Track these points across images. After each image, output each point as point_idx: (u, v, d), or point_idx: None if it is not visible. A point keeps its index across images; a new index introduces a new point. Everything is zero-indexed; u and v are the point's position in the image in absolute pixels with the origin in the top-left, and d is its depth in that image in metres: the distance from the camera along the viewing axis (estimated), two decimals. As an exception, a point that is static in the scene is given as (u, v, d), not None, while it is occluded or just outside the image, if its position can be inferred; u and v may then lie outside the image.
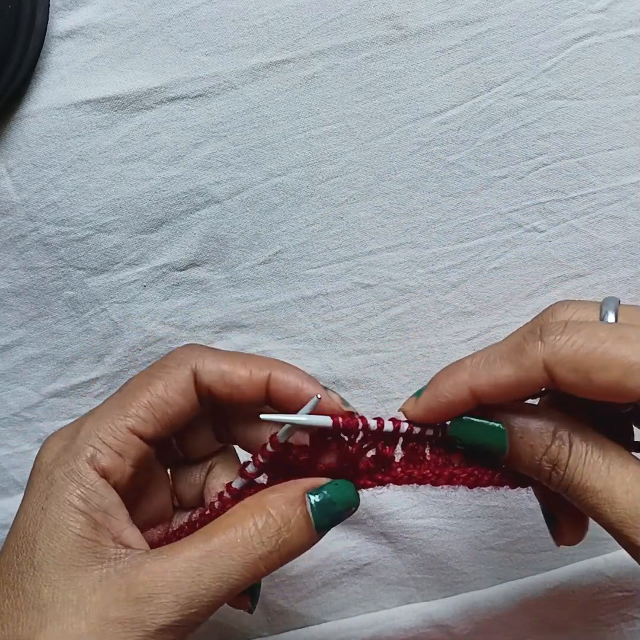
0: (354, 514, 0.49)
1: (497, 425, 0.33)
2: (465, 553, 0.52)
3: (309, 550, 0.52)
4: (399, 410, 0.36)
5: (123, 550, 0.32)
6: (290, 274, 0.49)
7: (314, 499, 0.34)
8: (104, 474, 0.33)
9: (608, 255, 0.48)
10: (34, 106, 0.46)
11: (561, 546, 0.37)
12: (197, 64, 0.46)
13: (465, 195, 0.47)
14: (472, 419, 0.34)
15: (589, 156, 0.46)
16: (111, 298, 0.49)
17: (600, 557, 0.50)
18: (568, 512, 0.35)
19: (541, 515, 0.38)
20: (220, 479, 0.38)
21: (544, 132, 0.46)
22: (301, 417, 0.34)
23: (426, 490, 0.52)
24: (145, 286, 0.49)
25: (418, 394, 0.35)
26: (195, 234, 0.48)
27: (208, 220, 0.48)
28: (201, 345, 0.37)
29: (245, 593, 0.34)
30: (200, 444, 0.38)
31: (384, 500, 0.51)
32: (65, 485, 0.32)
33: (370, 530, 0.52)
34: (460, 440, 0.34)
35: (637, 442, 0.37)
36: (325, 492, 0.34)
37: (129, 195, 0.47)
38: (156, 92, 0.46)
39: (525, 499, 0.47)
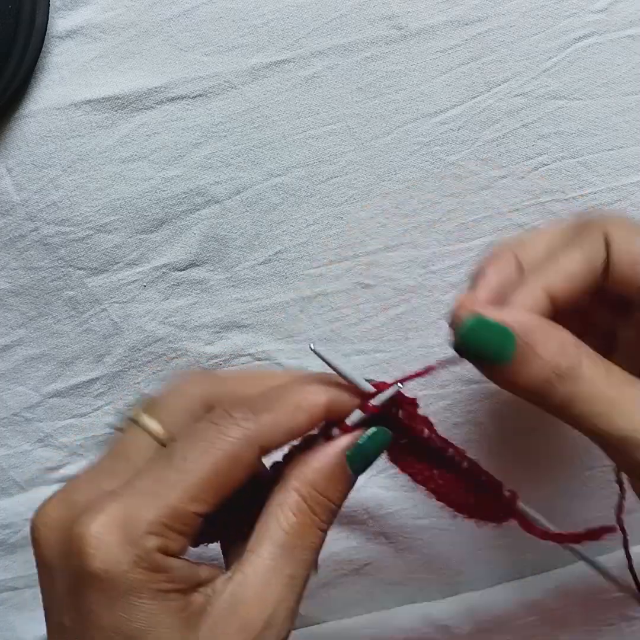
0: (354, 514, 0.49)
1: (509, 332, 0.31)
2: (465, 553, 0.52)
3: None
4: (460, 302, 0.33)
5: (209, 590, 0.31)
6: (290, 274, 0.49)
7: (352, 455, 0.33)
8: (171, 555, 0.31)
9: (608, 255, 0.48)
10: (34, 106, 0.46)
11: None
12: (197, 64, 0.46)
13: (465, 195, 0.47)
14: (486, 319, 0.31)
15: (589, 156, 0.46)
16: (111, 298, 0.49)
17: (602, 557, 0.50)
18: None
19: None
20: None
21: (544, 132, 0.46)
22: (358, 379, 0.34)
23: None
24: (145, 286, 0.49)
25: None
26: (195, 234, 0.48)
27: (208, 220, 0.48)
28: (254, 406, 0.33)
29: None
30: None
31: (384, 500, 0.51)
32: (150, 578, 0.30)
33: (370, 530, 0.52)
34: (466, 342, 0.32)
35: None
36: (362, 445, 0.34)
37: (129, 195, 0.47)
38: (156, 92, 0.46)
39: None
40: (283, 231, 0.48)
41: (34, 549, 0.33)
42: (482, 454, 0.39)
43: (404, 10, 0.45)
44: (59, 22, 0.45)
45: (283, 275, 0.49)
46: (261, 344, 0.50)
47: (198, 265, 0.49)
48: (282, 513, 0.32)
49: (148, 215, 0.48)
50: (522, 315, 0.32)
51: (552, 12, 0.45)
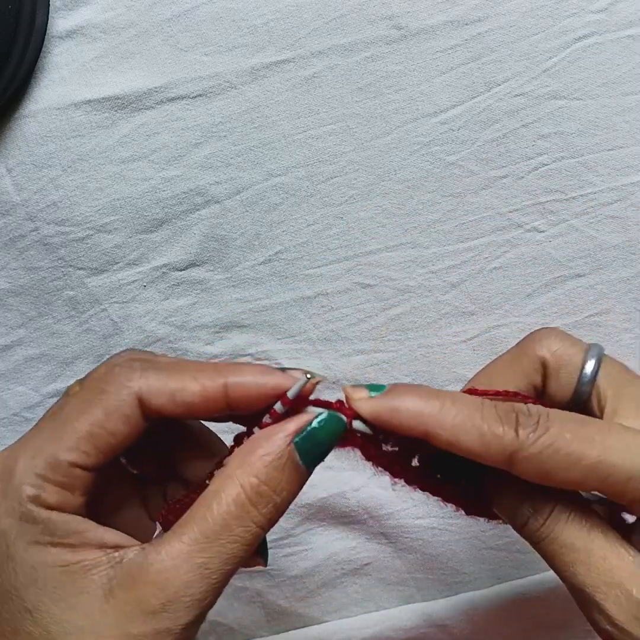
0: (354, 514, 0.49)
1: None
2: (465, 553, 0.52)
3: (309, 551, 0.52)
4: (345, 391, 0.33)
5: (115, 555, 0.30)
6: (290, 274, 0.49)
7: (302, 442, 0.31)
8: (53, 508, 0.30)
9: (608, 255, 0.48)
10: (34, 106, 0.46)
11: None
12: (197, 64, 0.46)
13: (465, 195, 0.47)
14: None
15: (589, 156, 0.46)
16: (111, 298, 0.49)
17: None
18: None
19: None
20: (195, 466, 0.35)
21: (544, 132, 0.46)
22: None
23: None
24: (145, 286, 0.49)
25: (374, 389, 0.32)
26: (195, 234, 0.48)
27: (208, 220, 0.48)
28: (141, 357, 0.33)
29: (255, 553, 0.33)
30: (156, 451, 0.35)
31: (384, 500, 0.51)
32: (24, 530, 0.30)
33: (370, 530, 0.52)
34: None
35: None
36: (312, 432, 0.31)
37: (129, 195, 0.47)
38: (156, 92, 0.46)
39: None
40: (283, 231, 0.48)
41: None
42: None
43: (404, 10, 0.45)
44: (59, 22, 0.45)
45: (283, 275, 0.49)
46: (261, 344, 0.50)
47: (198, 265, 0.49)
48: (215, 501, 0.30)
49: (148, 215, 0.48)
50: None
51: (552, 12, 0.45)
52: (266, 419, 0.32)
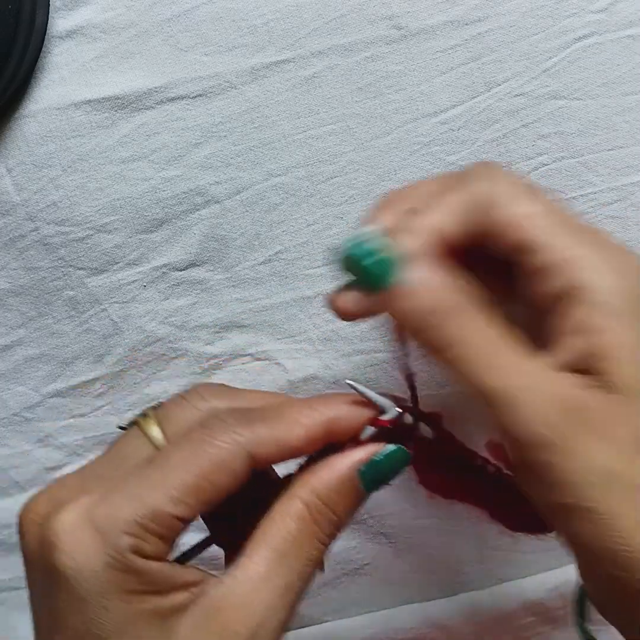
0: (354, 514, 0.49)
1: (391, 258, 0.30)
2: (465, 553, 0.52)
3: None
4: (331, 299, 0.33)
5: (196, 590, 0.30)
6: (290, 274, 0.49)
7: (366, 471, 0.32)
8: (147, 557, 0.30)
9: (608, 255, 0.48)
10: (34, 106, 0.46)
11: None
12: (197, 64, 0.46)
13: (465, 195, 0.47)
14: (369, 240, 0.30)
15: (589, 156, 0.46)
16: (111, 298, 0.49)
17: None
18: None
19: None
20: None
21: (544, 132, 0.46)
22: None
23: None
24: (145, 286, 0.49)
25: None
26: (195, 234, 0.48)
27: (208, 220, 0.48)
28: (247, 415, 0.32)
29: None
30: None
31: (384, 500, 0.51)
32: (122, 580, 0.29)
33: (370, 530, 0.52)
34: (345, 254, 0.31)
35: None
36: (377, 462, 0.32)
37: (129, 195, 0.47)
38: (156, 92, 0.46)
39: (525, 499, 0.47)
40: (283, 231, 0.48)
41: (20, 544, 0.32)
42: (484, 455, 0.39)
43: (404, 10, 0.45)
44: (59, 22, 0.45)
45: (283, 275, 0.49)
46: (261, 344, 0.50)
47: (198, 265, 0.49)
48: (282, 520, 0.31)
49: (148, 215, 0.48)
50: (412, 240, 0.30)
51: (552, 12, 0.45)
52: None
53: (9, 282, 0.49)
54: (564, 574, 0.51)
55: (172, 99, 0.46)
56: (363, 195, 0.47)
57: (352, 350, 0.50)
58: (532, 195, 0.32)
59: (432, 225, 0.32)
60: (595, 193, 0.47)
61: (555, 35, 0.45)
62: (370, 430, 0.33)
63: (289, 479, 0.34)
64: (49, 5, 0.45)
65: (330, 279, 0.49)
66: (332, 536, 0.32)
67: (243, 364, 0.50)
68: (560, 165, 0.47)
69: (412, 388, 0.36)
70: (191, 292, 0.49)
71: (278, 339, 0.50)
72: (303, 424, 0.32)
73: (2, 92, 0.44)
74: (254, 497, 0.33)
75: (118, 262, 0.49)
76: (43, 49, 0.45)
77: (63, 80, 0.46)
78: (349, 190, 0.47)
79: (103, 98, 0.46)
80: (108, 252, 0.48)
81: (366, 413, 0.33)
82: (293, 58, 0.46)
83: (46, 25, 0.45)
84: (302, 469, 0.34)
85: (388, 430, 0.33)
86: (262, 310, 0.49)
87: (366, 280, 0.30)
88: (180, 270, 0.49)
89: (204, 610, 0.30)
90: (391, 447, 0.32)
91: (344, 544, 0.52)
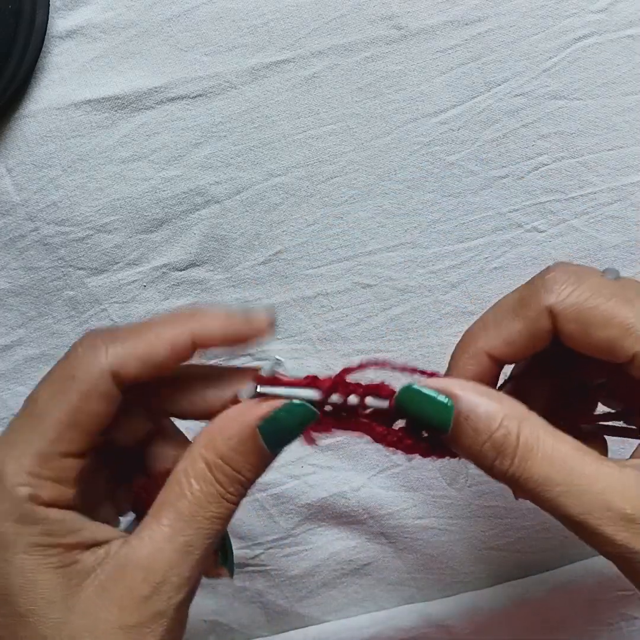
0: (354, 514, 0.49)
1: (444, 401, 0.31)
2: (465, 553, 0.52)
3: (309, 551, 0.52)
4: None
5: (101, 551, 0.30)
6: (290, 274, 0.49)
7: (266, 427, 0.31)
8: (49, 504, 0.30)
9: (608, 255, 0.48)
10: (34, 106, 0.46)
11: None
12: (197, 64, 0.46)
13: (465, 195, 0.47)
14: (421, 389, 0.32)
15: (589, 156, 0.46)
16: (111, 298, 0.49)
17: (600, 557, 0.50)
18: None
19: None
20: (165, 456, 0.35)
21: (544, 132, 0.46)
22: (293, 391, 0.32)
23: (426, 490, 0.52)
24: (145, 286, 0.49)
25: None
26: (195, 234, 0.48)
27: (208, 220, 0.48)
28: (101, 333, 0.32)
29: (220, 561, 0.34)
30: (133, 430, 0.35)
31: (384, 500, 0.51)
32: (21, 532, 0.30)
33: (370, 530, 0.52)
34: (404, 409, 0.32)
35: (599, 414, 0.36)
36: (276, 417, 0.31)
37: (129, 195, 0.47)
38: (156, 92, 0.46)
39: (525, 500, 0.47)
40: (283, 231, 0.48)
41: None
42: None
43: (404, 10, 0.45)
44: (59, 22, 0.45)
45: (283, 275, 0.49)
46: (261, 343, 0.50)
47: (198, 265, 0.49)
48: (185, 480, 0.31)
49: (148, 215, 0.48)
50: (458, 384, 0.31)
51: (552, 12, 0.45)
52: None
53: (9, 282, 0.49)
54: (564, 574, 0.51)
55: (172, 99, 0.46)
56: (363, 195, 0.47)
57: (352, 350, 0.50)
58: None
59: (487, 352, 0.34)
60: (595, 193, 0.47)
61: (555, 35, 0.45)
62: (251, 389, 0.32)
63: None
64: (49, 5, 0.45)
65: (331, 279, 0.49)
66: (240, 494, 0.31)
67: (243, 364, 0.50)
68: (560, 165, 0.47)
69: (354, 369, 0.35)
70: (191, 292, 0.49)
71: (278, 338, 0.50)
72: (166, 338, 0.31)
73: (2, 92, 0.44)
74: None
75: (118, 262, 0.49)
76: (43, 49, 0.45)
77: (63, 80, 0.46)
78: (349, 190, 0.47)
79: (103, 98, 0.46)
80: (108, 252, 0.48)
81: (234, 328, 0.32)
82: (293, 58, 0.46)
83: (46, 25, 0.45)
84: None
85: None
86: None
87: (427, 427, 0.32)
88: (180, 270, 0.49)
89: (108, 570, 0.30)
90: (291, 402, 0.31)
91: (344, 544, 0.52)
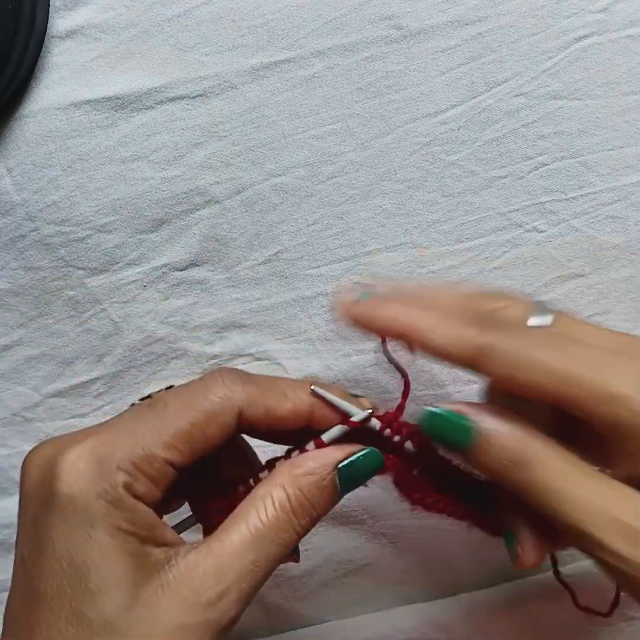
0: (354, 514, 0.49)
1: (465, 423, 0.33)
2: (465, 553, 0.52)
3: (309, 551, 0.52)
4: (335, 300, 0.36)
5: (171, 551, 0.32)
6: (290, 274, 0.49)
7: (344, 471, 0.34)
8: (139, 498, 0.32)
9: (608, 255, 0.48)
10: (34, 106, 0.46)
11: (522, 568, 0.37)
12: (197, 64, 0.46)
13: (465, 195, 0.47)
14: (442, 414, 0.33)
15: (589, 156, 0.46)
16: (111, 298, 0.49)
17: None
18: (528, 531, 0.36)
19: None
20: (234, 471, 0.37)
21: (544, 132, 0.46)
22: (347, 407, 0.35)
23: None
24: (145, 286, 0.49)
25: (361, 297, 0.36)
26: (195, 234, 0.48)
27: (208, 220, 0.48)
28: (242, 376, 0.35)
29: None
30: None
31: (384, 500, 0.51)
32: (110, 513, 0.31)
33: (370, 530, 0.52)
34: (426, 430, 0.34)
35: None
36: (354, 462, 0.34)
37: (129, 195, 0.47)
38: (156, 92, 0.46)
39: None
40: (283, 231, 0.48)
41: (20, 485, 0.34)
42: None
43: (404, 10, 0.45)
44: (59, 22, 0.45)
45: (283, 275, 0.49)
46: (261, 344, 0.50)
47: (198, 265, 0.49)
48: (264, 504, 0.33)
49: (148, 215, 0.48)
50: (476, 406, 0.33)
51: (552, 12, 0.45)
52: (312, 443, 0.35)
53: (9, 282, 0.49)
54: (564, 574, 0.51)
55: (172, 99, 0.46)
56: (363, 195, 0.47)
57: (352, 350, 0.50)
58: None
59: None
60: (595, 193, 0.47)
61: (555, 35, 0.45)
62: (337, 430, 0.35)
63: (270, 465, 0.36)
64: (49, 5, 0.45)
65: (331, 279, 0.49)
66: (306, 528, 0.34)
67: (243, 364, 0.50)
68: (560, 165, 0.47)
69: (405, 394, 0.37)
70: (191, 292, 0.49)
71: (278, 339, 0.50)
72: (290, 397, 0.35)
73: (2, 92, 0.44)
74: (236, 477, 0.36)
75: (118, 262, 0.49)
76: (43, 49, 0.45)
77: (63, 80, 0.46)
78: (349, 190, 0.47)
79: (103, 98, 0.46)
80: (108, 252, 0.48)
81: (344, 402, 0.35)
82: (293, 58, 0.46)
83: (46, 25, 0.45)
84: (285, 457, 0.36)
85: (362, 433, 0.35)
86: (262, 310, 0.49)
87: (448, 445, 0.34)
88: (180, 270, 0.49)
89: (177, 573, 0.31)
90: (366, 450, 0.35)
91: (344, 544, 0.52)
